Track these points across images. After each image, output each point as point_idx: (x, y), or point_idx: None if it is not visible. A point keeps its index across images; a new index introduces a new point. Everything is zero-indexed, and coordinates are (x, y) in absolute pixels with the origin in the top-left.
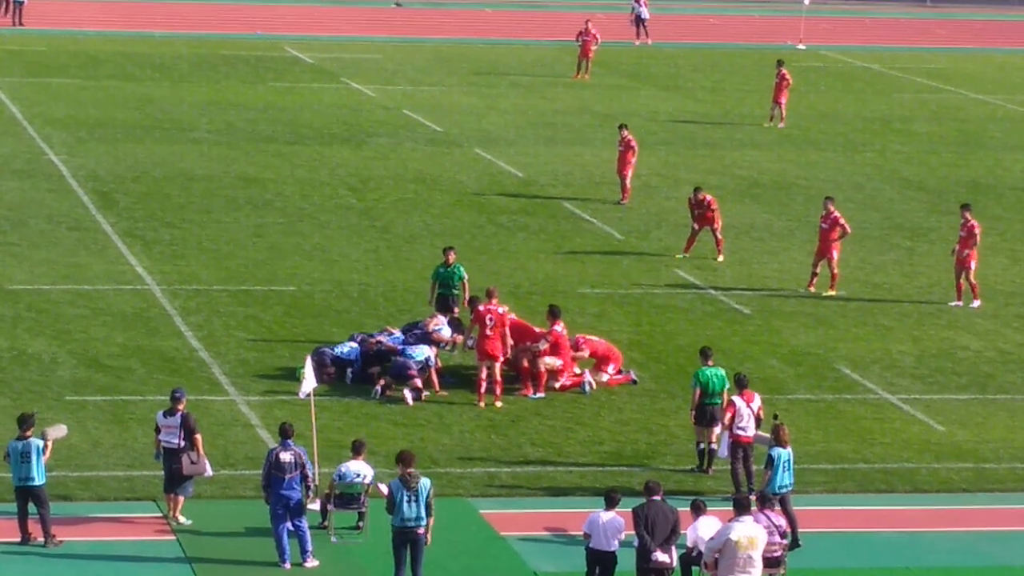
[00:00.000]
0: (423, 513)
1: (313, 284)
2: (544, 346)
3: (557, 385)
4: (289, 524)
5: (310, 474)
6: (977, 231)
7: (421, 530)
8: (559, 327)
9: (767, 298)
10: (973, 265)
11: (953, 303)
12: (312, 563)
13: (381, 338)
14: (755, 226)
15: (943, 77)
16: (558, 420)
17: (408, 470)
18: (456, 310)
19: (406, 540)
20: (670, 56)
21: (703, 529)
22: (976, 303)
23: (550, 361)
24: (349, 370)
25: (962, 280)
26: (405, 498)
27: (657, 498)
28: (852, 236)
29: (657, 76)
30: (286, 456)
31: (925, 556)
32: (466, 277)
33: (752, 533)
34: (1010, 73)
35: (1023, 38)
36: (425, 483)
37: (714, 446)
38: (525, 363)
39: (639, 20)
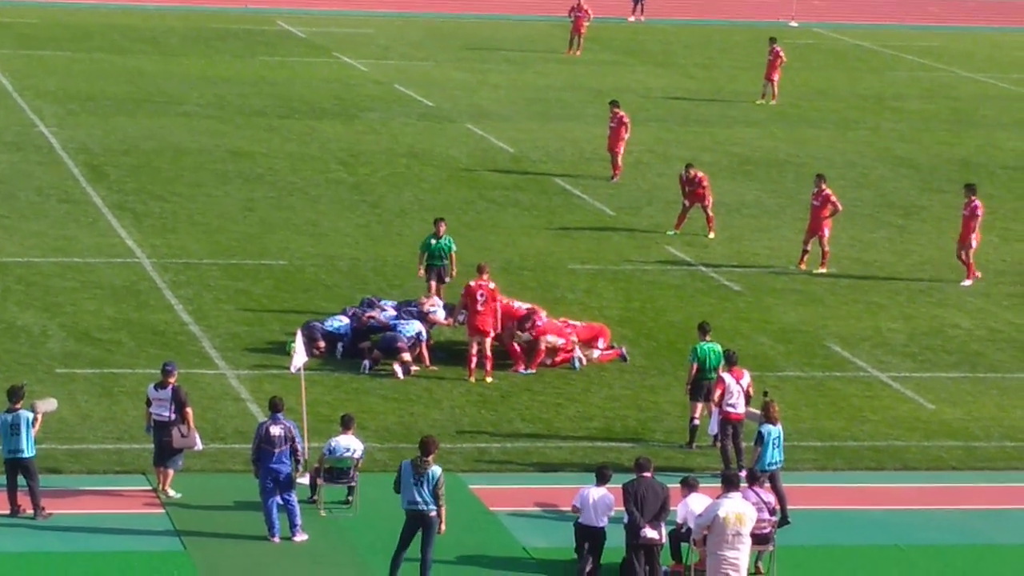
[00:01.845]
0: (429, 498)
1: (304, 258)
2: (528, 337)
3: (548, 361)
4: (278, 498)
5: (300, 448)
6: (980, 212)
7: (432, 513)
8: (540, 321)
9: (758, 275)
10: (974, 244)
11: (967, 282)
12: (301, 537)
13: (374, 314)
14: (746, 203)
15: (936, 55)
16: (548, 396)
17: (424, 457)
18: (447, 280)
19: (415, 522)
20: (663, 32)
21: (694, 506)
22: (967, 282)
23: (552, 339)
24: (339, 344)
25: (970, 259)
26: (412, 481)
27: (647, 474)
28: (844, 213)
29: (650, 53)
30: (276, 430)
31: (915, 534)
32: (455, 250)
33: (741, 509)
34: (1003, 51)
35: (1016, 17)
36: (435, 471)
37: (696, 422)
38: (514, 342)
39: None
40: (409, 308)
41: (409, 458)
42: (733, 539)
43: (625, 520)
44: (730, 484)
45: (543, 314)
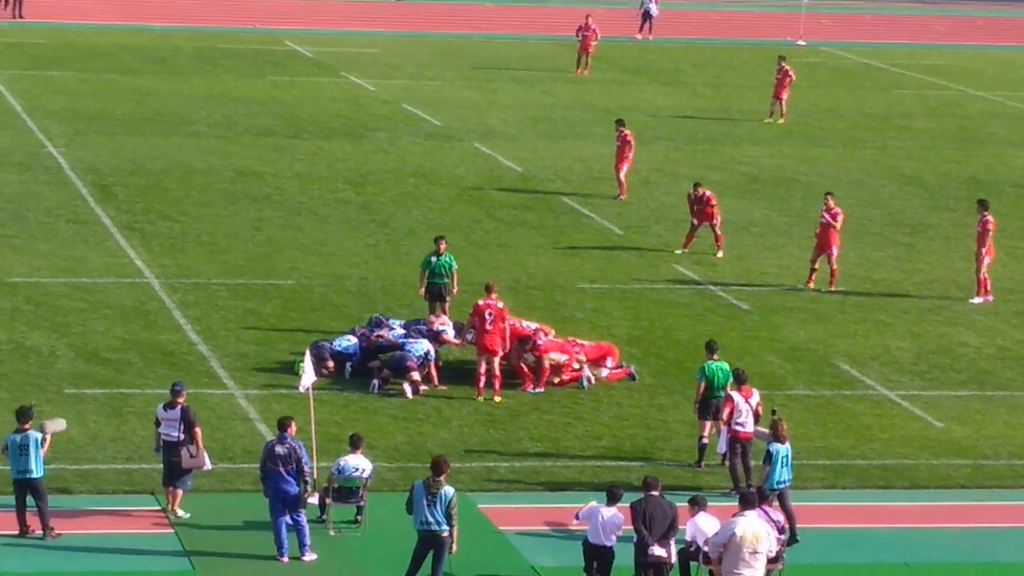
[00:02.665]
0: (442, 518)
1: (312, 278)
2: (531, 358)
3: (556, 380)
4: (288, 518)
5: (306, 469)
6: (991, 227)
7: (444, 534)
8: (541, 340)
9: (766, 294)
10: (987, 261)
11: (976, 299)
12: (310, 557)
13: (383, 333)
14: (754, 222)
15: (943, 73)
16: (557, 415)
17: (436, 477)
18: (448, 299)
19: (427, 543)
20: (670, 51)
21: (702, 524)
22: (977, 299)
23: (555, 356)
24: (348, 364)
25: (982, 274)
26: (425, 501)
27: (655, 493)
28: (852, 232)
29: (657, 71)
30: (281, 449)
31: (923, 552)
32: (455, 267)
33: (757, 528)
34: (1010, 70)
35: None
36: (447, 491)
37: (705, 440)
38: (521, 362)
39: (647, 15)
40: (418, 327)
41: (419, 478)
42: (749, 558)
43: (634, 539)
44: (746, 503)
45: (548, 333)
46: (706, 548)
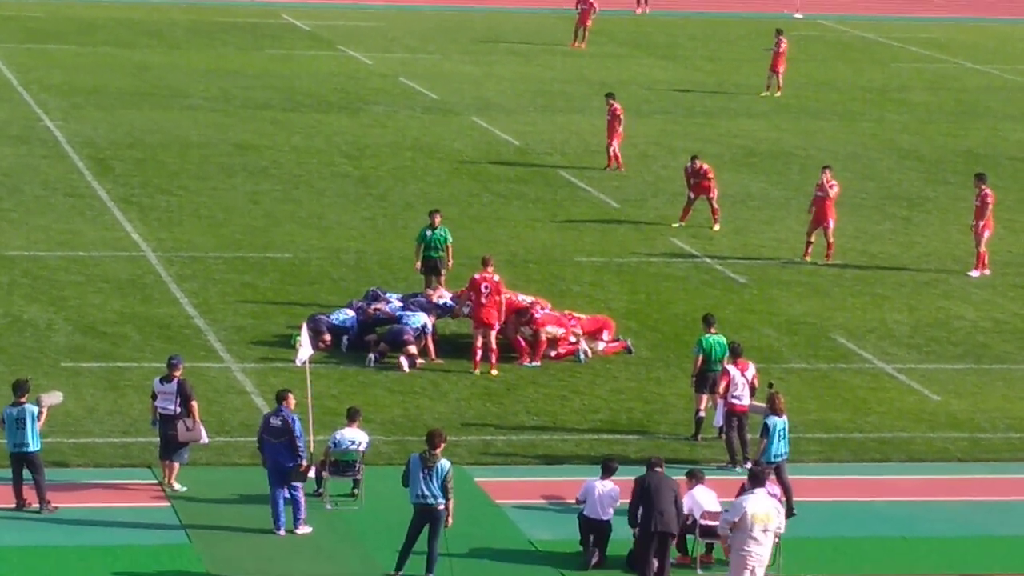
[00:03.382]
0: (438, 491)
1: (309, 251)
2: (529, 331)
3: (553, 353)
4: (285, 492)
5: (299, 443)
6: (990, 201)
7: (440, 507)
8: (538, 313)
9: (763, 267)
10: (987, 235)
11: (974, 273)
12: (304, 529)
13: (380, 306)
14: (751, 195)
15: (940, 47)
16: (554, 388)
17: (432, 450)
18: (443, 272)
19: (423, 516)
20: (668, 25)
21: (699, 497)
22: (975, 273)
23: (552, 330)
24: (345, 337)
25: (982, 247)
26: (421, 475)
27: (659, 470)
28: (849, 205)
29: (654, 45)
30: (276, 421)
31: (920, 526)
32: (451, 240)
33: (767, 506)
34: (1008, 43)
35: (1021, 8)
36: (444, 465)
37: (702, 414)
38: (518, 335)
39: None
40: (416, 300)
41: (415, 451)
42: (760, 535)
43: (640, 512)
44: (756, 481)
45: (544, 307)
46: (703, 522)
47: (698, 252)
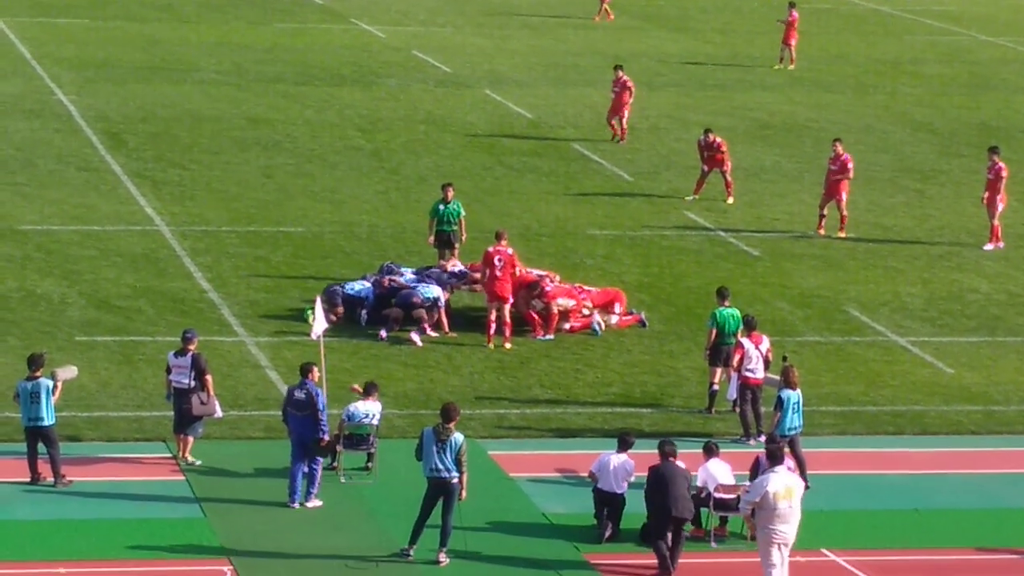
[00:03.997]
0: (452, 465)
1: (322, 225)
2: (540, 305)
3: (567, 326)
4: (304, 466)
5: (322, 417)
6: (1004, 174)
7: (455, 480)
8: (548, 286)
9: (777, 240)
10: (1000, 208)
11: (988, 246)
12: (314, 503)
13: (395, 278)
14: (765, 168)
15: (954, 19)
16: (567, 362)
17: (446, 424)
18: (456, 246)
19: (437, 490)
20: None
21: (713, 470)
22: (989, 246)
23: (563, 302)
24: (363, 310)
25: (995, 220)
26: (435, 448)
27: (672, 459)
28: (862, 178)
29: (667, 18)
30: (299, 395)
31: (933, 498)
32: (464, 214)
33: (790, 483)
34: (1022, 15)
35: None
36: (457, 438)
37: (716, 387)
38: (530, 309)
39: None
40: (430, 272)
41: (429, 425)
42: (784, 512)
43: (655, 501)
44: (775, 459)
45: (555, 279)
46: (717, 495)
47: (711, 225)
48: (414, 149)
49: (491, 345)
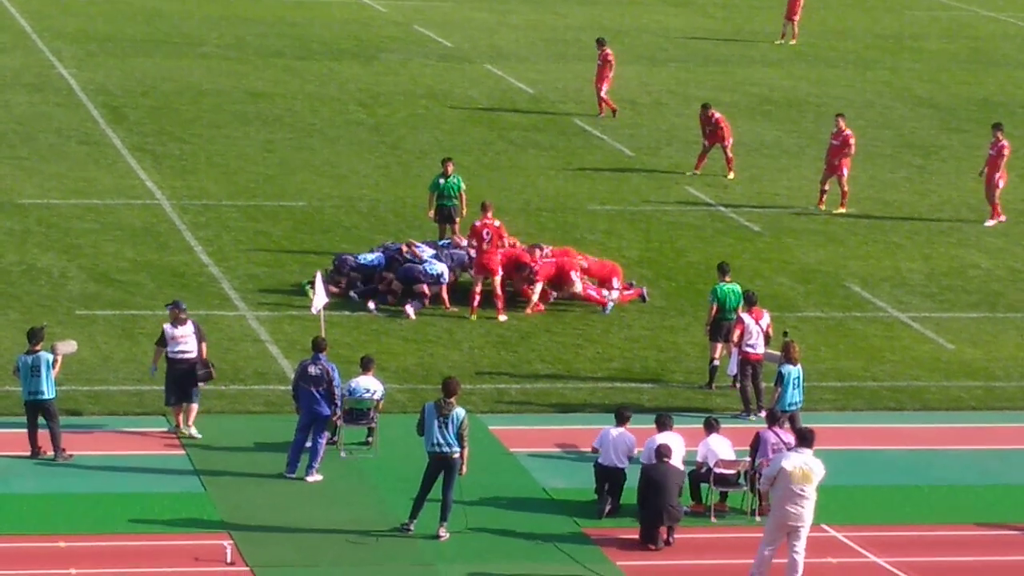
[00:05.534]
0: (453, 440)
1: (323, 200)
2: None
3: (581, 291)
4: (308, 440)
5: (337, 392)
6: (1007, 152)
7: (456, 455)
8: (537, 265)
9: (777, 215)
10: (1001, 184)
11: (990, 222)
12: (314, 478)
13: (415, 249)
14: (766, 143)
15: None
16: (568, 336)
17: (447, 399)
18: (457, 220)
19: (438, 465)
20: None
21: (714, 445)
22: (991, 221)
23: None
24: (356, 285)
25: (996, 199)
26: (436, 423)
27: (667, 459)
28: (863, 153)
29: None
30: (314, 370)
31: (934, 473)
32: (464, 188)
33: (808, 464)
34: None
35: None
36: (459, 412)
37: (716, 362)
38: (524, 286)
39: None
40: (448, 252)
41: (430, 400)
42: (799, 493)
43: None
44: (804, 440)
45: (544, 249)
46: (718, 470)
47: (712, 200)
48: (415, 124)
49: (473, 317)
